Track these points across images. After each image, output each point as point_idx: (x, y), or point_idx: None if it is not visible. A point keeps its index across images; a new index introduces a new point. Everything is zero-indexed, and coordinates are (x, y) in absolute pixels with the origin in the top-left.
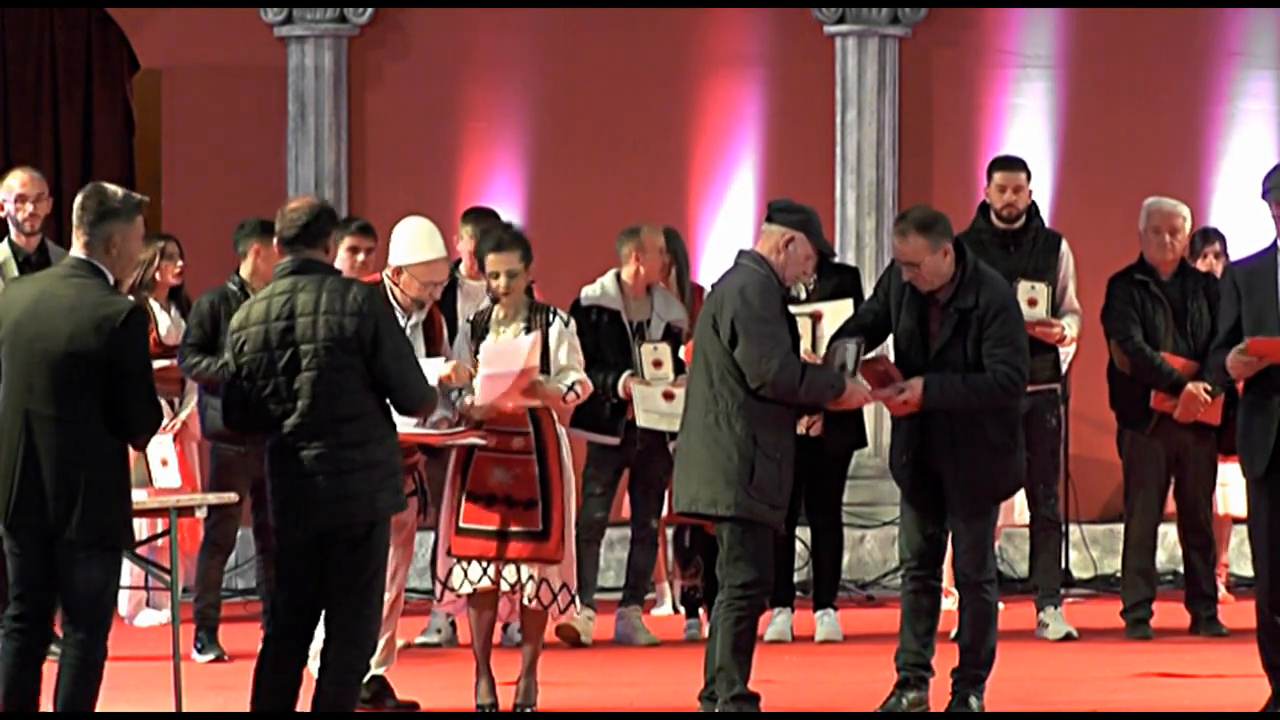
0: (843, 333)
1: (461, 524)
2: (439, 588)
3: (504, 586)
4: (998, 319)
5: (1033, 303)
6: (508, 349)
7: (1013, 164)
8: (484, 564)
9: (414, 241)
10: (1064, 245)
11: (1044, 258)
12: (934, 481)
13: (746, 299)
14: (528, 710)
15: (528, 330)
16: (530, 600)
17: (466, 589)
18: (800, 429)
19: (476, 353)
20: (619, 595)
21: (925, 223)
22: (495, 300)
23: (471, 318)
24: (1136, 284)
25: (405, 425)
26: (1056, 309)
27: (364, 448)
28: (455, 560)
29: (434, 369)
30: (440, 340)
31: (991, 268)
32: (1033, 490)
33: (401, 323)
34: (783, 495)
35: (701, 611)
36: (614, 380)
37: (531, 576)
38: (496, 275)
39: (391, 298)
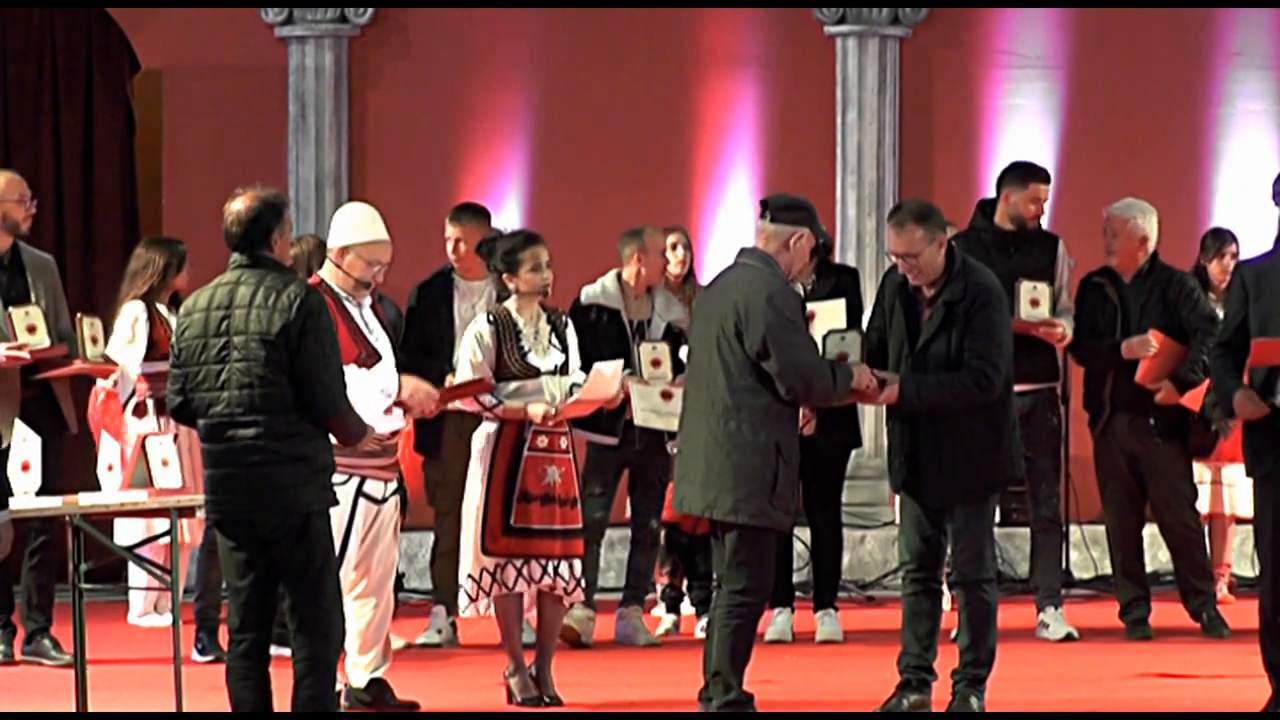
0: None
1: (513, 524)
2: (473, 587)
3: (563, 583)
4: (981, 312)
5: (1035, 303)
6: (607, 378)
7: (1047, 176)
8: (543, 562)
9: (358, 222)
10: (1061, 247)
11: (1043, 259)
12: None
13: (777, 307)
14: (546, 700)
15: (554, 329)
16: (574, 594)
17: (521, 587)
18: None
19: (524, 354)
20: (619, 595)
21: (922, 214)
22: (543, 292)
23: (491, 315)
24: (1092, 286)
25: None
26: (1054, 308)
27: (289, 441)
28: (505, 560)
29: (376, 400)
30: (385, 327)
31: (989, 267)
32: (1034, 490)
33: (355, 314)
34: (795, 498)
35: (681, 608)
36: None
37: (582, 574)
38: (538, 268)
39: (335, 287)
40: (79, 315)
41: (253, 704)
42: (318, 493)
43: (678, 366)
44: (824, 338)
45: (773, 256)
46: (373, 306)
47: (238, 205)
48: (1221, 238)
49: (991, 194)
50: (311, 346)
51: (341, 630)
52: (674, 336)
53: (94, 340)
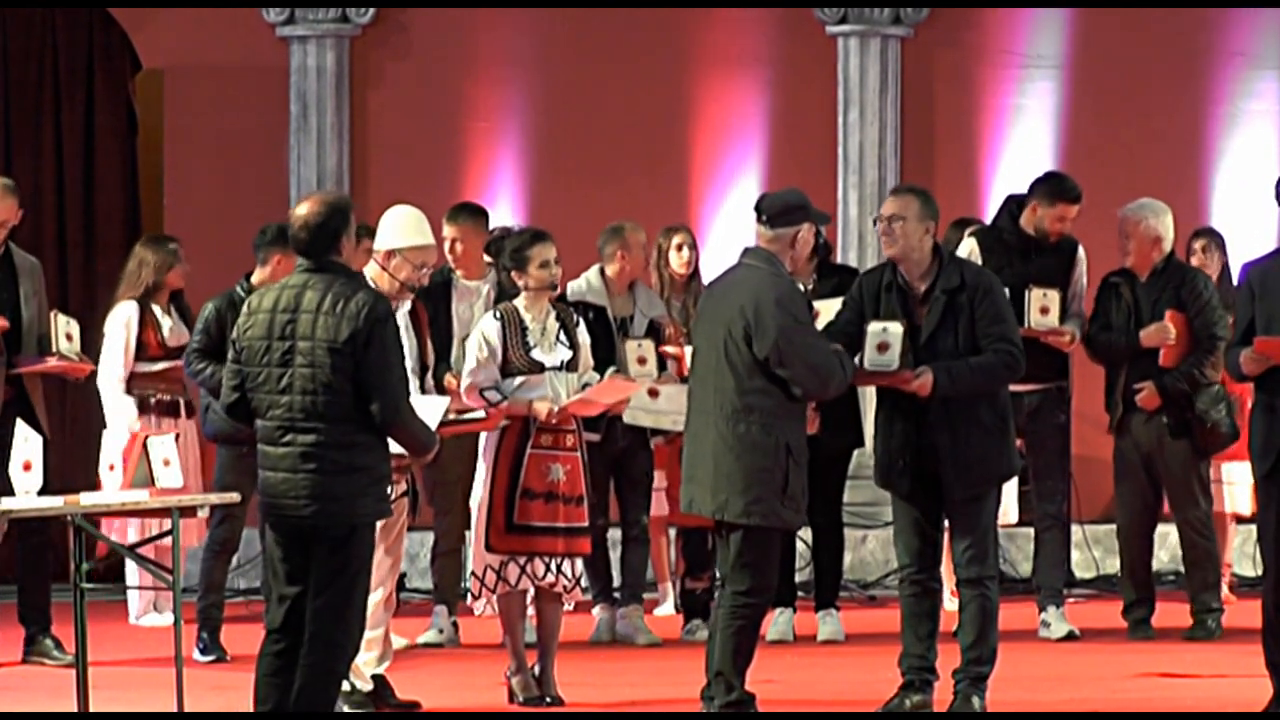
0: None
1: (516, 521)
2: (476, 585)
3: (564, 582)
4: (987, 297)
5: (1044, 310)
6: (620, 386)
7: (1077, 197)
8: (546, 560)
9: (404, 226)
10: (1080, 252)
11: (1061, 264)
12: (930, 484)
13: (787, 309)
14: (548, 700)
15: (563, 327)
16: (585, 594)
17: (525, 585)
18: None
19: (529, 350)
20: (616, 595)
21: (924, 192)
22: (552, 289)
23: (498, 312)
24: (1109, 286)
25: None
26: (1066, 312)
27: (350, 451)
28: (508, 557)
29: (437, 407)
30: (425, 331)
31: (1008, 268)
32: (1039, 488)
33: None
34: (805, 498)
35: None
36: (600, 378)
37: (583, 573)
38: (547, 265)
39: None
40: (54, 312)
41: (275, 703)
42: (372, 504)
43: (662, 363)
44: (866, 328)
45: (776, 255)
46: (415, 309)
47: (304, 209)
48: (1196, 234)
49: (992, 193)
50: (375, 355)
51: (355, 646)
52: (656, 332)
53: (69, 337)
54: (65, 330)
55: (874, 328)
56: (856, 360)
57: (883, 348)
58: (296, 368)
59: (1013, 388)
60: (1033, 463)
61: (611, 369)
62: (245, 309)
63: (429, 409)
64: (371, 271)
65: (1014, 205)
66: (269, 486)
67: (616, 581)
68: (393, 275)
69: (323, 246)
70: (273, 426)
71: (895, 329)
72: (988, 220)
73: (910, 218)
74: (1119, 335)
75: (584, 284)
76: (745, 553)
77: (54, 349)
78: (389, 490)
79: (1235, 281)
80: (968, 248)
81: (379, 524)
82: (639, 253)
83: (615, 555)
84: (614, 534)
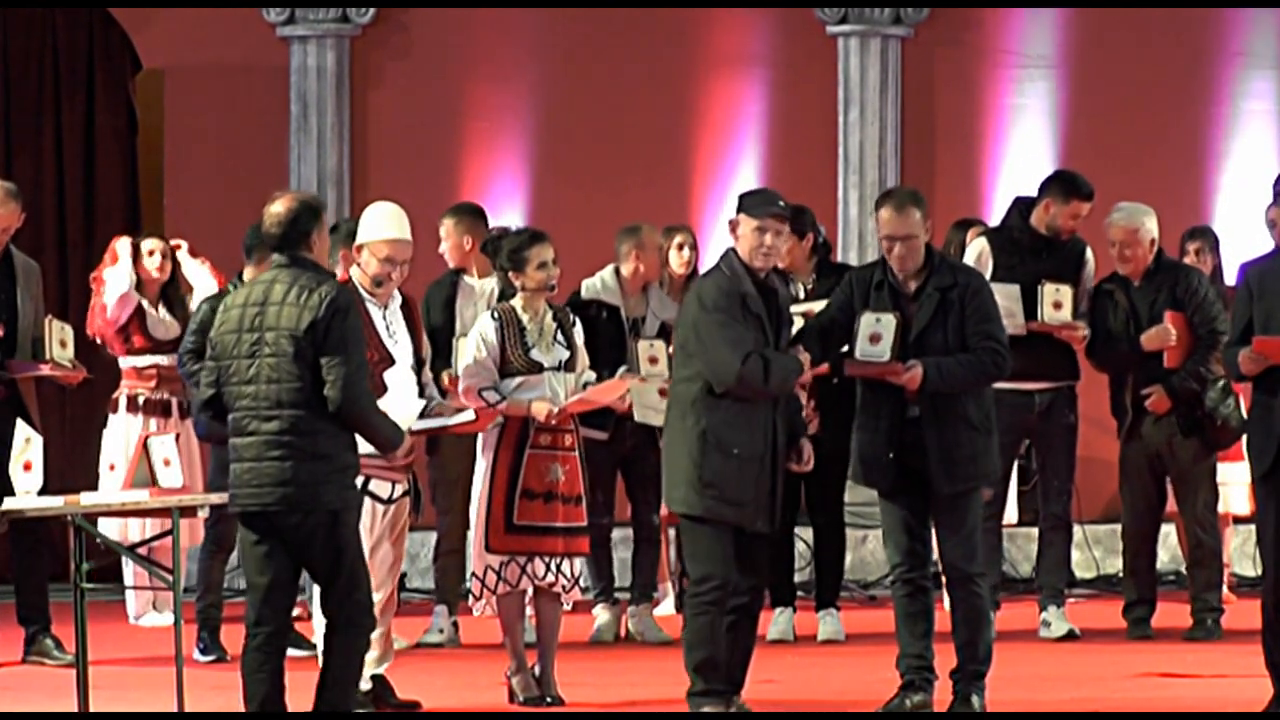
0: (829, 325)
1: (516, 521)
2: (477, 585)
3: (564, 582)
4: (977, 296)
5: (1058, 305)
6: (615, 387)
7: (1090, 194)
8: (546, 560)
9: (372, 220)
10: (1089, 252)
11: (1070, 263)
12: (914, 481)
13: (703, 302)
14: (548, 700)
15: (560, 327)
16: (585, 594)
17: (525, 585)
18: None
19: (528, 350)
20: (624, 594)
21: (918, 198)
22: (550, 290)
23: (496, 313)
24: (1103, 293)
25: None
26: (1076, 309)
27: (313, 438)
28: (508, 558)
29: (411, 409)
30: (419, 328)
31: (1020, 267)
32: (1045, 487)
33: (376, 316)
34: (744, 492)
35: None
36: (609, 376)
37: (582, 573)
38: (544, 266)
39: (361, 289)
40: (49, 318)
41: (264, 697)
42: (338, 492)
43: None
44: (859, 318)
45: (737, 251)
46: (406, 306)
47: (277, 207)
48: (1191, 235)
49: (991, 193)
50: (334, 343)
51: (372, 623)
52: (668, 333)
53: (63, 344)
54: (59, 337)
55: (867, 318)
56: (853, 351)
57: (875, 339)
58: (263, 358)
59: (1025, 386)
60: (1041, 462)
61: (622, 369)
62: (221, 306)
63: (401, 408)
64: (355, 269)
65: (1023, 205)
66: (236, 476)
67: (618, 581)
68: (363, 270)
69: (293, 242)
70: (240, 417)
71: (888, 320)
72: (989, 221)
73: (919, 234)
74: (1120, 342)
75: (599, 283)
76: (687, 544)
77: (47, 355)
78: (355, 480)
79: (1230, 280)
80: (979, 248)
81: (380, 522)
82: (654, 253)
83: (619, 555)
84: (618, 533)
